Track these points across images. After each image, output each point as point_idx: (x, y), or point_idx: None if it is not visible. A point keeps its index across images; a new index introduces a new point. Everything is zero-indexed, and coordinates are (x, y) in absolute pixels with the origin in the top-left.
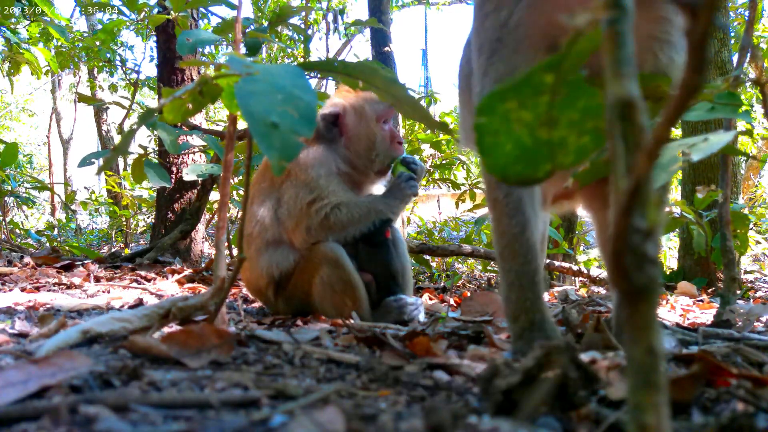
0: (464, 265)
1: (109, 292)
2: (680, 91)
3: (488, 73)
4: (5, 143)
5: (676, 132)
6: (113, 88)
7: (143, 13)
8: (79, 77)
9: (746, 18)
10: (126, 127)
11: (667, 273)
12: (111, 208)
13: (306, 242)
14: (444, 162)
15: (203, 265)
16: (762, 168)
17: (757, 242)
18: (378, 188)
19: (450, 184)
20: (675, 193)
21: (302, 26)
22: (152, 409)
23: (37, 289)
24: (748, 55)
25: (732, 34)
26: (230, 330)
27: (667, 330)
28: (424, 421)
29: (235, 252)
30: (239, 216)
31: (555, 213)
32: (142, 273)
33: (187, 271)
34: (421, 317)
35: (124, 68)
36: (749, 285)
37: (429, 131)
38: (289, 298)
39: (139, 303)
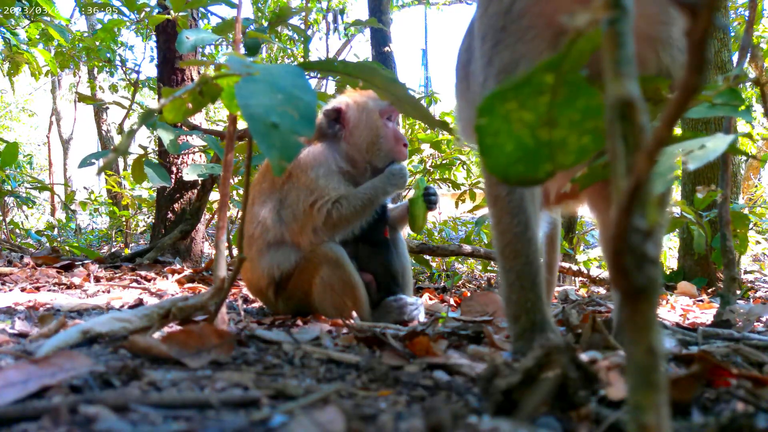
0: (464, 265)
1: (109, 292)
2: (680, 91)
3: (493, 63)
4: (5, 143)
5: (677, 130)
6: (113, 88)
7: (143, 13)
8: (79, 77)
9: (746, 18)
10: (126, 127)
11: (667, 273)
12: (111, 208)
13: (313, 244)
14: (444, 162)
15: (203, 265)
16: (762, 168)
17: (757, 242)
18: None
19: (450, 184)
20: (675, 193)
21: (302, 26)
22: (152, 409)
23: (37, 289)
24: (748, 55)
25: (732, 34)
26: (230, 330)
27: (667, 330)
28: (424, 421)
29: (235, 252)
30: (239, 216)
31: (559, 213)
32: (142, 273)
33: (187, 271)
34: (421, 317)
35: (124, 68)
36: (749, 285)
37: (429, 131)
38: (289, 298)
39: (139, 303)
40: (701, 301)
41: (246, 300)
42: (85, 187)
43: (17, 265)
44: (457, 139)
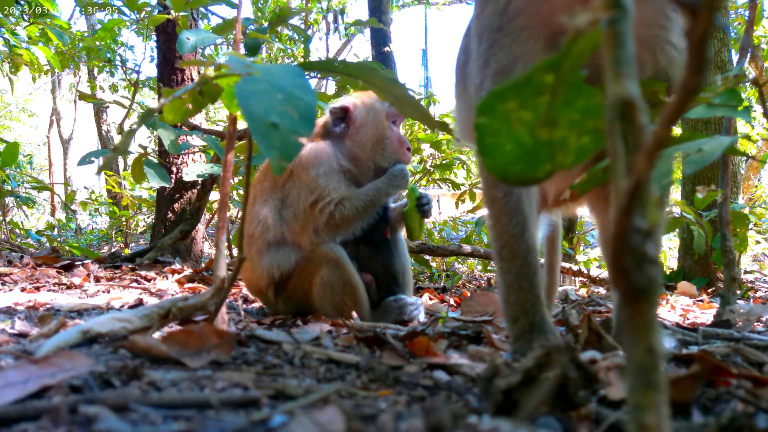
0: (464, 265)
1: (109, 292)
2: (680, 92)
3: (489, 64)
4: (5, 143)
5: (677, 130)
6: (114, 88)
7: (143, 12)
8: (79, 77)
9: (746, 18)
10: (126, 127)
11: (667, 273)
12: (111, 208)
13: (314, 244)
14: (444, 162)
15: (203, 265)
16: (762, 168)
17: (757, 242)
18: None
19: (450, 184)
20: (675, 193)
21: (302, 26)
22: (152, 409)
23: (37, 289)
24: (748, 55)
25: (732, 34)
26: (230, 330)
27: (667, 330)
28: (424, 421)
29: (235, 252)
30: (239, 216)
31: (559, 215)
32: (142, 273)
33: (187, 271)
34: (421, 317)
35: (124, 68)
36: (749, 285)
37: (429, 131)
38: (289, 298)
39: (139, 303)
40: (701, 301)
41: (246, 300)
42: (85, 187)
43: (17, 265)
44: (456, 140)
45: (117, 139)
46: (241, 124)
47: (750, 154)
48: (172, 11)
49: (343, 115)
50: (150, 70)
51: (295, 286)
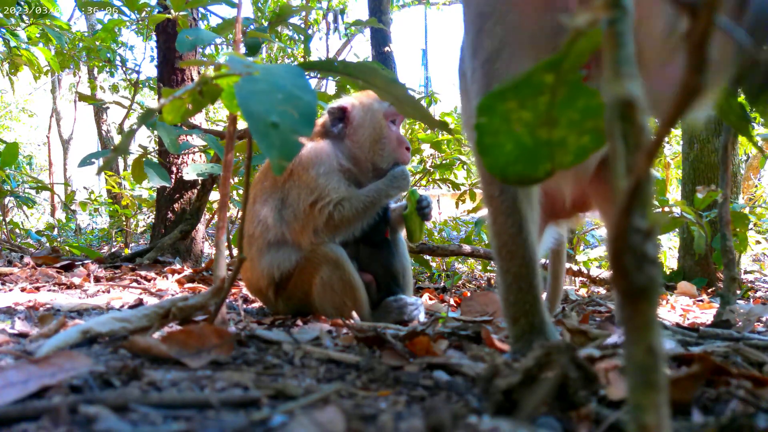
0: (464, 265)
1: (109, 292)
2: (680, 92)
3: (477, 52)
4: (5, 143)
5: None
6: (114, 88)
7: (143, 12)
8: (79, 77)
9: None
10: (126, 127)
11: (667, 273)
12: (111, 208)
13: (314, 244)
14: (444, 162)
15: (203, 265)
16: (762, 168)
17: (757, 242)
18: None
19: (450, 185)
20: (675, 193)
21: (302, 26)
22: (152, 409)
23: (37, 289)
24: None
25: None
26: (230, 330)
27: (667, 330)
28: (424, 421)
29: (235, 252)
30: (239, 216)
31: (567, 228)
32: (142, 273)
33: (187, 271)
34: (421, 317)
35: (124, 68)
36: (749, 285)
37: (429, 131)
38: (289, 298)
39: (139, 303)
40: (701, 301)
41: (246, 300)
42: (85, 187)
43: (17, 265)
44: (457, 140)
45: (117, 139)
46: (241, 124)
47: (750, 155)
48: (172, 11)
49: (341, 115)
50: (150, 70)
51: (295, 286)
